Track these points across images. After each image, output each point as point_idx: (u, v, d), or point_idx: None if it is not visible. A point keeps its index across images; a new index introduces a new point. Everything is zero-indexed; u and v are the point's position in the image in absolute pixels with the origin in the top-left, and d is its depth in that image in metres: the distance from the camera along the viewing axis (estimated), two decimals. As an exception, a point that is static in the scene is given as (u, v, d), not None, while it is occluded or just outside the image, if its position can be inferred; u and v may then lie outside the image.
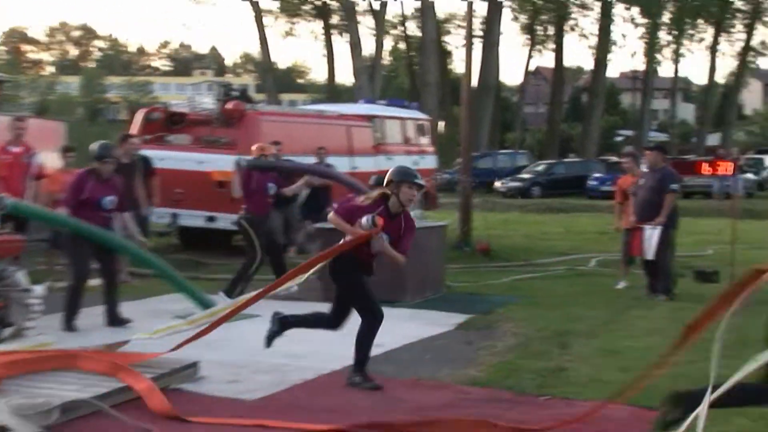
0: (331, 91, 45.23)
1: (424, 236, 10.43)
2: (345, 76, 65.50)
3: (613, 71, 79.07)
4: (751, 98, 70.46)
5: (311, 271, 6.47)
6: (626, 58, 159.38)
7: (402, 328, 8.37)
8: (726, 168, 12.37)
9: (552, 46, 48.90)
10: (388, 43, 51.91)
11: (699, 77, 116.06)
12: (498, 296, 10.58)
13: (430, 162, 18.47)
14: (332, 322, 6.55)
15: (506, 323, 8.81)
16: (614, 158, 36.68)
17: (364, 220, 6.18)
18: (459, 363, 7.10)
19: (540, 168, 35.74)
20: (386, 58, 56.30)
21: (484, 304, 9.94)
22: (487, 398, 6.10)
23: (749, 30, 47.72)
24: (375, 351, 7.45)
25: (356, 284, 6.38)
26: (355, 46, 38.12)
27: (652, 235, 10.39)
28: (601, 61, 44.74)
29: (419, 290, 10.12)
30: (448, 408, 5.84)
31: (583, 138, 45.57)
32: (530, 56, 50.48)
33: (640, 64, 50.19)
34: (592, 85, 46.92)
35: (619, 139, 53.78)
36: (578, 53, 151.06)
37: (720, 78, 54.83)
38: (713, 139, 51.61)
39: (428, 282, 10.40)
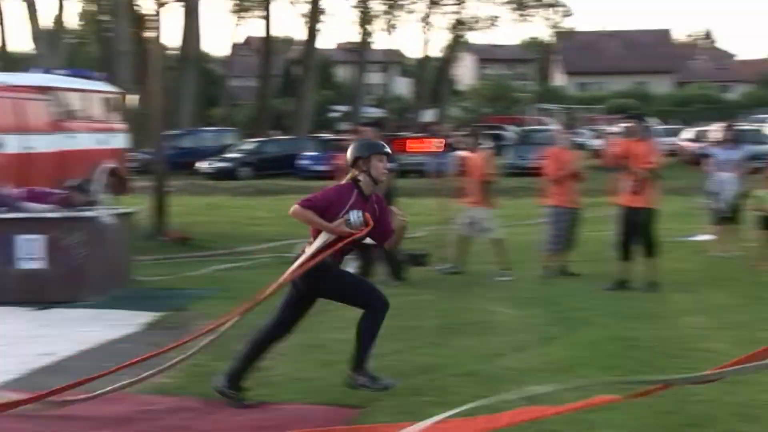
0: (5, 59, 42.34)
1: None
2: (24, 42, 61.62)
3: (329, 43, 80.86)
4: (465, 73, 75.04)
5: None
6: (343, 29, 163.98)
7: (79, 332, 7.95)
8: (435, 145, 12.90)
9: (261, 13, 48.95)
10: (74, 5, 49.41)
11: (415, 51, 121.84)
12: (195, 290, 10.35)
13: (120, 141, 17.74)
14: (278, 330, 6.19)
15: (202, 320, 8.58)
16: (328, 135, 37.46)
17: (353, 217, 5.80)
18: (144, 369, 6.78)
19: (249, 147, 35.68)
20: (74, 22, 53.67)
21: (178, 299, 9.67)
22: (173, 408, 5.89)
23: (460, 2, 50.62)
24: (44, 360, 7.00)
25: (351, 279, 6.20)
26: (32, 6, 35.90)
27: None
28: (312, 31, 45.44)
29: (101, 287, 9.64)
30: (126, 424, 5.54)
31: (296, 114, 46.12)
32: (237, 24, 50.26)
33: (356, 36, 51.67)
34: (304, 57, 47.56)
35: (335, 115, 55.08)
36: (290, 22, 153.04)
37: (434, 52, 57.82)
38: (430, 115, 54.32)
39: (112, 277, 9.95)
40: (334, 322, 8.59)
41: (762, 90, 68.20)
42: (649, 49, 70.75)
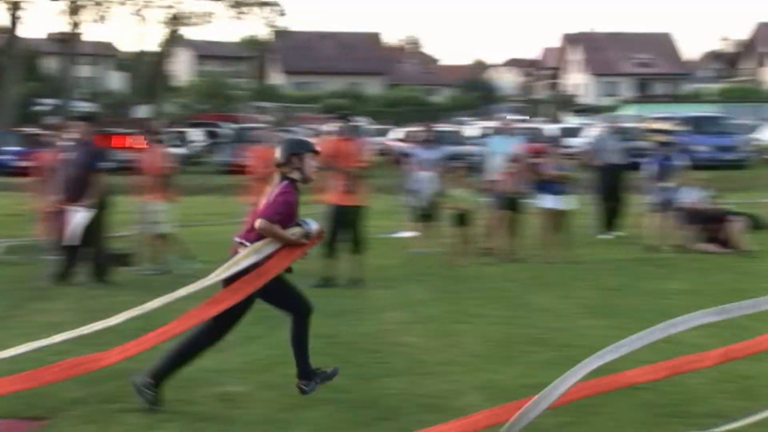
0: None
1: None
2: None
3: (39, 32, 76.61)
4: (182, 69, 73.71)
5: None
6: (52, 18, 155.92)
7: None
8: (137, 142, 12.52)
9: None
10: None
11: (129, 44, 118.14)
12: None
13: None
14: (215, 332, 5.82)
15: None
16: (33, 130, 35.32)
17: (312, 226, 5.80)
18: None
19: (-59, 140, 33.00)
20: None
21: None
22: None
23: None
24: None
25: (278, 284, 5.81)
26: None
27: (76, 217, 10.04)
28: (14, 19, 42.77)
29: None
30: None
31: (-2, 106, 43.21)
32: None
33: (66, 26, 49.16)
34: (6, 46, 44.64)
35: (42, 108, 52.14)
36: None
37: (150, 46, 56.32)
38: (144, 111, 52.80)
39: None
40: (24, 327, 8.07)
41: (463, 94, 72.38)
42: (360, 52, 72.95)
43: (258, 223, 5.65)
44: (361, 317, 8.78)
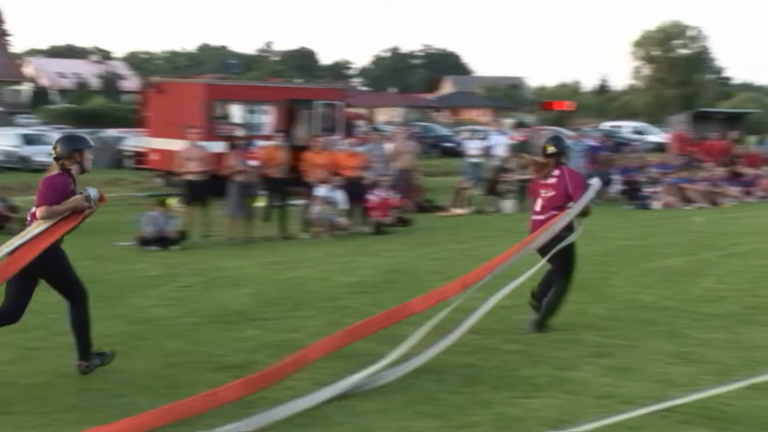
0: None
1: None
2: None
3: None
4: None
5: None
6: None
7: None
8: None
9: None
10: None
11: None
12: None
13: None
14: (12, 313, 6.24)
15: None
16: None
17: (92, 193, 6.23)
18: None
19: None
20: None
21: None
22: None
23: None
24: None
25: (64, 265, 6.33)
26: None
27: None
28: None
29: None
30: None
31: None
32: None
33: None
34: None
35: None
36: None
37: None
38: None
39: None
40: None
41: None
42: None
43: (39, 212, 6.14)
44: None
